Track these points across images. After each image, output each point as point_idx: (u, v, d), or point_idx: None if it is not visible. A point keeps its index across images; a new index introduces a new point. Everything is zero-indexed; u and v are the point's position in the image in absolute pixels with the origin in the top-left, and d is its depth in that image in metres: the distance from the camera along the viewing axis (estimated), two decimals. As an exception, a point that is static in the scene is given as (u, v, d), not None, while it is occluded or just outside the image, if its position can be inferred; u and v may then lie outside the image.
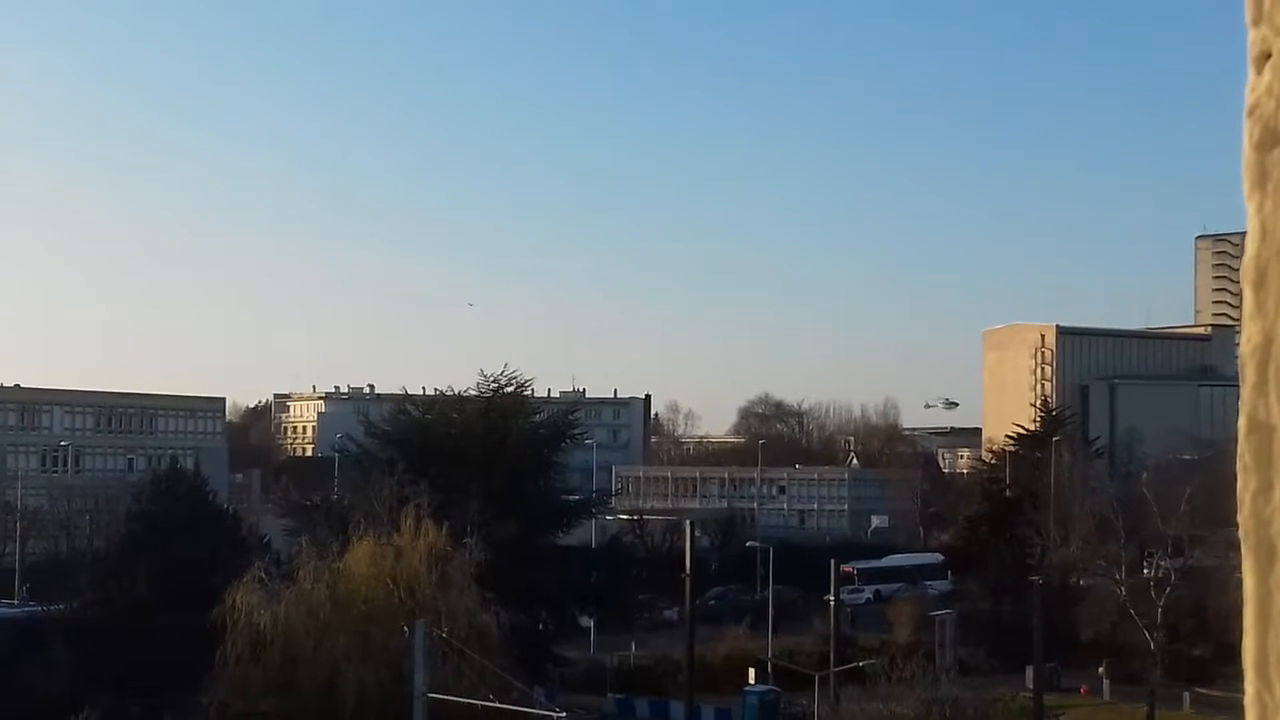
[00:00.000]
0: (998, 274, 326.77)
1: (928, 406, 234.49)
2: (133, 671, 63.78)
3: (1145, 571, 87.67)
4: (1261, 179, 2.02)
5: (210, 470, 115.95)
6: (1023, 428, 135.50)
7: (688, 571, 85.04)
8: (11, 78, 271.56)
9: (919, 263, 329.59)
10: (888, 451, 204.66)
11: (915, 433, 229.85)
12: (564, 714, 56.40)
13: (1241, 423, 1.98)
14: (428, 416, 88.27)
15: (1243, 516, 1.97)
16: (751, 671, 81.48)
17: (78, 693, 57.51)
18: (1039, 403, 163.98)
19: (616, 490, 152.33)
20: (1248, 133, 2.04)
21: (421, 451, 79.91)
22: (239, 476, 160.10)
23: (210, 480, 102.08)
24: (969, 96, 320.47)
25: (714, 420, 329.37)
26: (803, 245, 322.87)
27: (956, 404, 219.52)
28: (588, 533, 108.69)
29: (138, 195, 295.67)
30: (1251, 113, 2.03)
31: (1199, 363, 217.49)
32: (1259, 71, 2.04)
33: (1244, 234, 2.06)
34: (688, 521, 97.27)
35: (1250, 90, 2.04)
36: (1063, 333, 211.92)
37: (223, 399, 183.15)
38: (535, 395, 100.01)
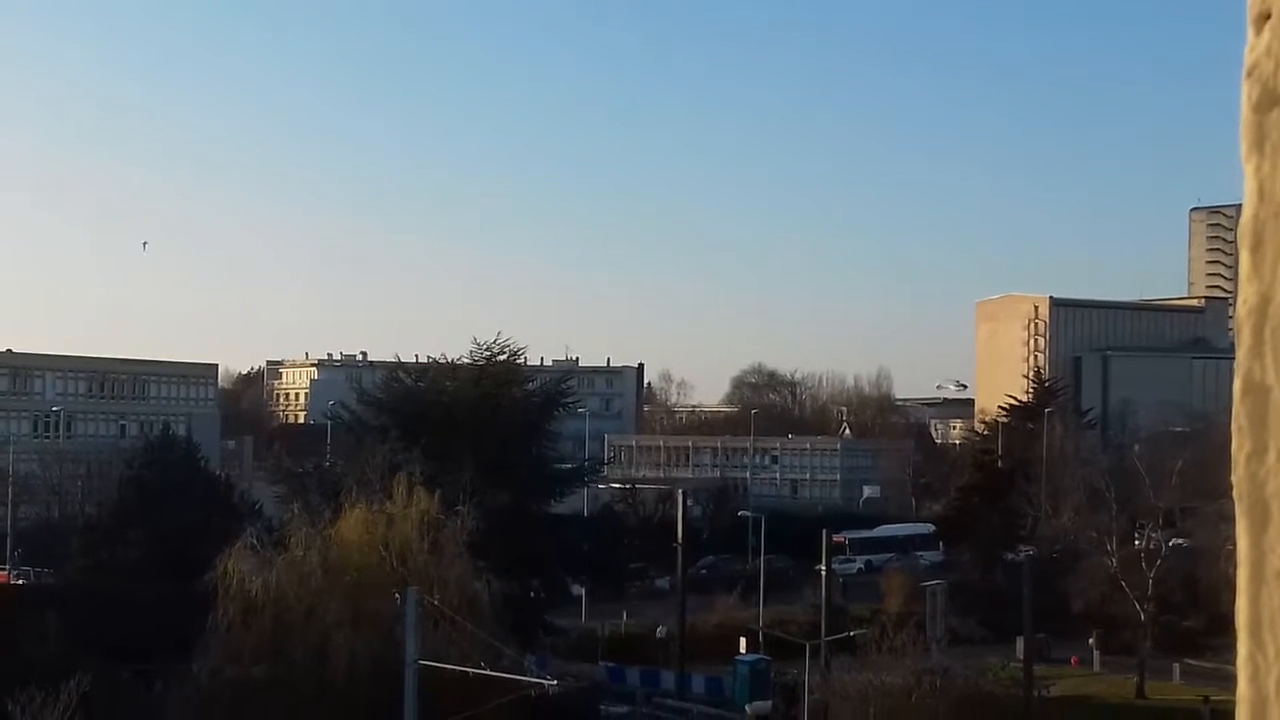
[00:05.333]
0: (992, 245, 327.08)
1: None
2: (124, 638, 63.81)
3: (1136, 543, 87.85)
4: (1259, 140, 2.01)
5: (202, 437, 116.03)
6: (1015, 399, 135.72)
7: (679, 540, 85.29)
8: (7, 46, 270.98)
9: (913, 233, 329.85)
10: (880, 422, 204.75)
11: (908, 403, 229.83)
12: (555, 682, 56.49)
13: (1237, 384, 1.97)
14: (420, 384, 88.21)
15: (1237, 478, 1.96)
16: (742, 640, 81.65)
17: (68, 659, 57.48)
18: (1032, 374, 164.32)
19: (609, 459, 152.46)
20: (1246, 94, 2.02)
21: (414, 419, 79.93)
22: (231, 443, 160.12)
23: (202, 447, 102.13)
24: (963, 68, 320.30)
25: (707, 389, 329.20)
26: (797, 215, 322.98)
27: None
28: (580, 501, 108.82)
29: (131, 161, 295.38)
30: (1250, 73, 2.02)
31: (1192, 335, 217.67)
32: (1258, 32, 2.03)
33: (1239, 206, 2.05)
34: (680, 490, 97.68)
35: (1249, 51, 2.03)
36: (1056, 304, 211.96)
37: (215, 365, 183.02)
38: (528, 363, 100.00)
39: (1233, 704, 2.01)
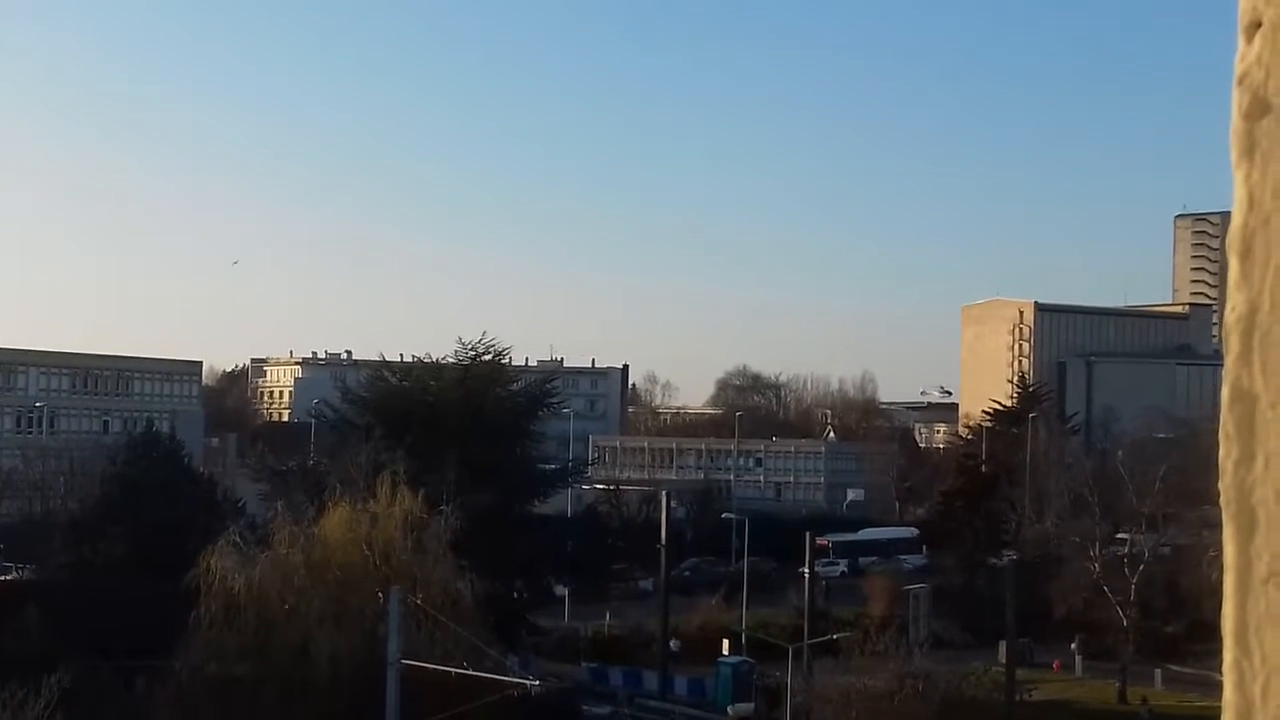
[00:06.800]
0: (978, 249, 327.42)
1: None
2: (106, 634, 63.69)
3: (1119, 548, 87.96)
4: (1249, 148, 2.01)
5: (186, 434, 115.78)
6: (1000, 403, 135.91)
7: (663, 542, 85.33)
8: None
9: (899, 237, 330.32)
10: (865, 425, 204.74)
11: (892, 407, 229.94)
12: (538, 682, 56.50)
13: (1225, 392, 1.98)
14: (405, 383, 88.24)
15: (1224, 485, 1.97)
16: (725, 642, 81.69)
17: (50, 655, 57.37)
18: (1016, 379, 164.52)
19: (593, 460, 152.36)
20: (1236, 102, 2.03)
21: (398, 418, 79.91)
22: (215, 440, 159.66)
23: (186, 444, 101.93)
24: (951, 72, 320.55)
25: (691, 391, 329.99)
26: (782, 217, 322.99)
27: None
28: (564, 502, 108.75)
29: (117, 156, 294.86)
30: (1240, 81, 2.03)
31: (1176, 341, 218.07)
32: (1249, 40, 2.04)
33: (1224, 213, 2.06)
34: (664, 492, 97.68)
35: (1240, 59, 2.04)
36: (1041, 309, 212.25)
37: (199, 362, 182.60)
38: (513, 364, 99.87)
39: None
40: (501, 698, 52.39)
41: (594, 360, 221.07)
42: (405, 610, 53.20)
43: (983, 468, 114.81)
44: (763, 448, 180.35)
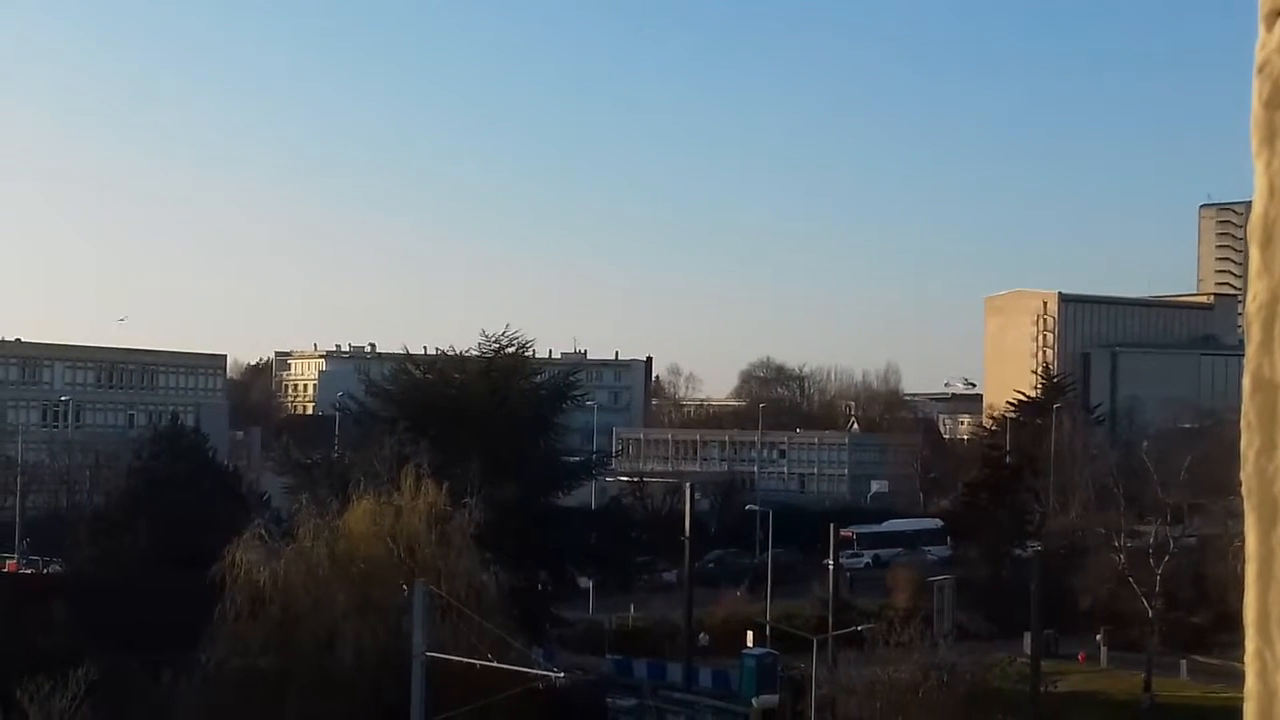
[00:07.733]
0: (1001, 240, 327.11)
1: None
2: (131, 627, 63.86)
3: (1144, 540, 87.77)
4: (1270, 136, 2.01)
5: (211, 427, 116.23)
6: (1024, 394, 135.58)
7: (687, 534, 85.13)
8: (11, 32, 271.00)
9: (923, 228, 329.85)
10: (889, 416, 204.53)
11: (916, 398, 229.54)
12: (562, 674, 56.53)
13: (1246, 381, 1.97)
14: (429, 376, 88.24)
15: (1246, 474, 1.96)
16: (749, 634, 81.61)
17: (76, 648, 57.56)
18: (1040, 370, 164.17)
19: (617, 452, 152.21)
20: (1257, 90, 2.03)
21: (422, 411, 79.91)
22: (239, 434, 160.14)
23: (210, 437, 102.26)
24: (973, 63, 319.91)
25: (715, 383, 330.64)
26: (806, 208, 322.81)
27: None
28: (587, 494, 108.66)
29: (140, 151, 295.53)
30: (1261, 70, 2.02)
31: (1201, 331, 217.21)
32: (1269, 28, 2.03)
33: (1248, 203, 2.05)
34: (688, 484, 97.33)
35: (1260, 47, 2.03)
36: (1065, 300, 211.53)
37: (224, 356, 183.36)
38: (536, 356, 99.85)
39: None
40: (526, 690, 52.42)
41: (617, 353, 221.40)
42: (430, 603, 53.23)
43: (1007, 459, 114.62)
44: (786, 439, 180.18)
